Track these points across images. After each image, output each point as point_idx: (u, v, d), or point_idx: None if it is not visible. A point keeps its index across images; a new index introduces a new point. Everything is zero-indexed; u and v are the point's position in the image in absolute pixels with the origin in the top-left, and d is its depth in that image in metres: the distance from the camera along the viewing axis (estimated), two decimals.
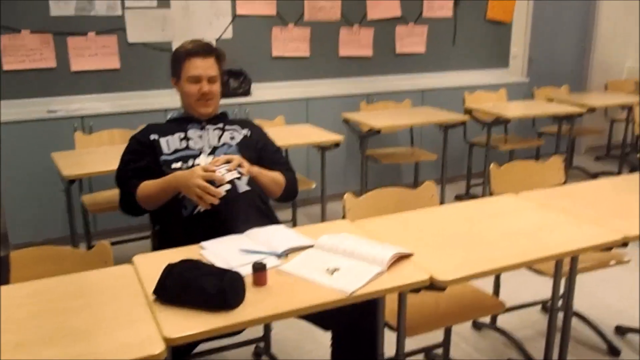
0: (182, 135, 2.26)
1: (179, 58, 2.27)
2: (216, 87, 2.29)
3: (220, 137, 2.29)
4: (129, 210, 2.24)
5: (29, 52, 3.93)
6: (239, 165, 2.12)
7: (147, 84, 4.29)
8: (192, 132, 2.27)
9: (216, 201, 2.00)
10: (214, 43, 4.35)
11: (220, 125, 2.33)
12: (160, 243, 2.23)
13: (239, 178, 2.10)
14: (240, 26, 4.52)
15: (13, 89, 3.93)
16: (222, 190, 2.03)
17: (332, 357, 2.00)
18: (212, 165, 2.07)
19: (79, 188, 3.52)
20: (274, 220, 2.18)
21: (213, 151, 2.24)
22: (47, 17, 3.93)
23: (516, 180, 2.69)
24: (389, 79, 5.17)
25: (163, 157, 2.20)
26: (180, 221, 2.08)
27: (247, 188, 2.11)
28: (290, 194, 2.38)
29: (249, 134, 2.36)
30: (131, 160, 2.24)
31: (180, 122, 2.31)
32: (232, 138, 2.30)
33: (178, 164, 2.18)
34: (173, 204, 2.11)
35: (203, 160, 2.18)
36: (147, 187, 2.15)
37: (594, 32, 6.10)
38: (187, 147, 2.23)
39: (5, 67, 3.88)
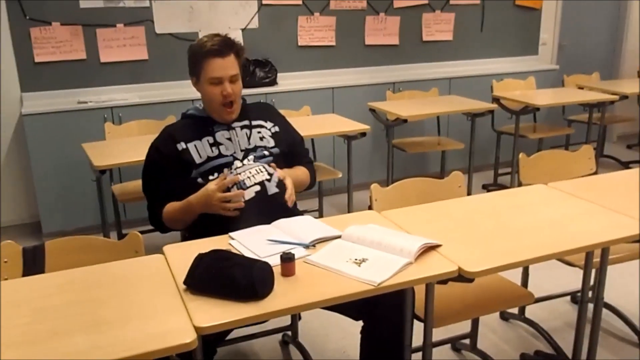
0: (210, 139, 2.15)
1: (197, 58, 2.13)
2: (238, 86, 2.16)
3: (249, 138, 2.19)
4: (157, 227, 2.22)
5: (59, 43, 4.00)
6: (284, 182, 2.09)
7: (175, 75, 4.33)
8: (220, 136, 2.17)
9: (241, 204, 1.98)
10: (240, 33, 4.41)
11: (246, 122, 2.23)
12: (190, 234, 2.25)
13: (268, 180, 2.06)
14: (266, 15, 4.53)
15: (44, 81, 4.00)
16: (252, 191, 2.00)
17: (361, 346, 2.01)
18: (225, 182, 2.01)
19: (109, 178, 3.58)
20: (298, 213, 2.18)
21: (246, 155, 2.16)
22: (76, 9, 3.98)
23: (546, 169, 2.66)
24: (416, 67, 5.13)
25: (197, 170, 2.11)
26: (212, 219, 2.03)
27: (277, 190, 2.07)
28: (310, 186, 2.39)
29: (277, 129, 2.28)
30: (157, 178, 2.17)
31: (204, 123, 2.19)
32: (262, 139, 2.21)
33: (214, 176, 2.10)
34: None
35: (237, 164, 2.11)
36: (171, 211, 2.12)
37: (626, 18, 5.96)
38: (219, 154, 2.13)
39: (37, 59, 3.95)
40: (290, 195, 2.11)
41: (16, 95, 3.97)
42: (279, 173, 2.12)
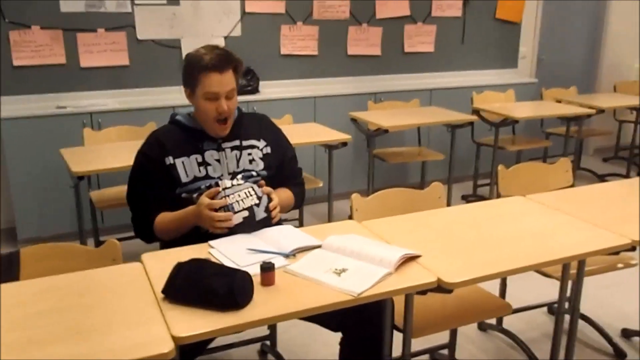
0: (199, 158, 2.09)
1: (194, 70, 2.05)
2: (233, 102, 2.09)
3: (238, 160, 2.14)
4: (144, 238, 2.15)
5: (39, 47, 3.95)
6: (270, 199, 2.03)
7: (156, 81, 4.30)
8: (209, 156, 2.11)
9: (231, 224, 1.92)
10: (222, 41, 4.40)
11: (237, 142, 2.16)
12: (169, 243, 2.22)
13: (257, 204, 2.00)
14: (249, 24, 4.53)
15: (23, 85, 3.95)
16: (240, 217, 1.95)
17: (340, 357, 2.01)
18: (218, 190, 1.96)
19: (87, 184, 3.54)
20: None
21: (233, 177, 2.12)
22: (57, 13, 3.94)
23: (524, 181, 2.69)
24: (397, 78, 5.17)
25: (182, 188, 2.07)
26: (197, 236, 1.95)
27: (264, 215, 2.00)
28: (298, 206, 2.34)
29: (268, 150, 2.22)
30: (143, 185, 2.11)
31: (194, 136, 2.12)
32: (251, 162, 2.16)
33: (201, 191, 2.04)
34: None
35: (225, 182, 2.04)
36: (165, 222, 2.07)
37: (603, 33, 6.07)
38: (206, 175, 2.08)
39: (16, 63, 3.90)
40: (275, 212, 2.03)
41: None
42: (267, 190, 2.04)
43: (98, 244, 1.88)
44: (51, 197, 3.84)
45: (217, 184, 2.04)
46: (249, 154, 2.17)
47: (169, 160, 2.07)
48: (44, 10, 3.90)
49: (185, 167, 2.08)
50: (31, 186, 3.79)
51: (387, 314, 1.81)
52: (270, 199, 2.02)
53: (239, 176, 2.11)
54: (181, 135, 2.13)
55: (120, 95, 4.21)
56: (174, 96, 4.23)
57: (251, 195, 1.99)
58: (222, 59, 2.04)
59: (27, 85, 3.96)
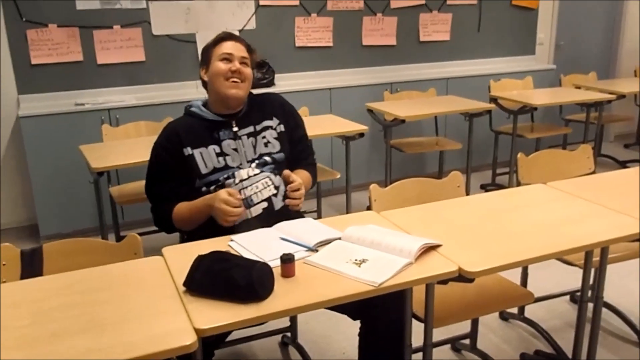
0: (217, 149, 2.09)
1: (209, 46, 2.16)
2: (248, 70, 2.13)
3: (255, 146, 2.14)
4: (164, 229, 2.18)
5: (56, 45, 3.98)
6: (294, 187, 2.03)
7: (172, 76, 4.32)
8: (227, 146, 2.11)
9: (236, 220, 1.93)
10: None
11: (251, 129, 2.16)
12: (190, 235, 2.24)
13: (275, 195, 2.03)
14: (263, 16, 4.52)
15: (41, 83, 3.99)
16: (259, 208, 1.98)
17: (360, 347, 2.01)
18: (236, 192, 1.96)
19: (107, 180, 3.57)
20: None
21: (251, 164, 2.12)
22: (73, 11, 3.97)
23: (544, 169, 2.66)
24: (413, 67, 5.13)
25: (202, 180, 2.08)
26: (215, 228, 1.97)
27: (283, 204, 2.04)
28: (309, 188, 2.32)
29: (282, 128, 2.23)
30: (163, 177, 2.12)
31: (210, 127, 2.12)
32: (266, 144, 2.16)
33: (220, 185, 2.07)
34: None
35: (241, 173, 2.07)
36: (182, 212, 2.08)
37: (622, 17, 5.97)
38: (226, 166, 2.09)
39: (34, 61, 3.94)
40: (299, 193, 2.04)
41: (13, 97, 3.96)
42: (286, 174, 2.05)
43: (119, 239, 1.89)
44: (72, 193, 3.88)
45: (233, 174, 2.06)
46: (264, 137, 2.17)
47: (187, 151, 2.08)
48: (60, 8, 3.93)
49: (204, 158, 2.08)
50: (52, 183, 3.83)
51: (408, 303, 1.80)
52: (287, 183, 2.03)
53: (254, 164, 2.11)
54: (197, 126, 2.13)
55: (137, 91, 4.23)
56: (190, 91, 4.25)
57: (269, 185, 2.01)
58: (235, 35, 2.19)
59: (46, 83, 4.00)
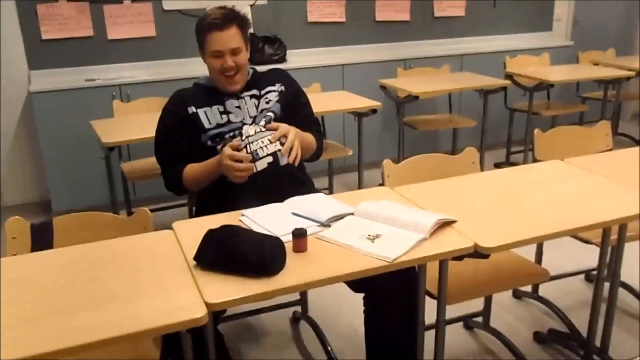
0: (220, 108, 2.17)
1: (201, 32, 2.17)
2: (241, 58, 2.15)
3: (257, 106, 2.21)
4: (175, 191, 2.24)
5: (66, 20, 3.95)
6: (284, 136, 2.06)
7: (183, 52, 4.28)
8: (230, 104, 2.19)
9: (252, 168, 1.98)
10: (248, 10, 4.34)
11: (255, 92, 2.24)
12: (199, 209, 2.24)
13: (280, 150, 2.04)
14: None
15: (52, 58, 3.97)
16: (264, 162, 2.01)
17: (366, 324, 1.98)
18: (240, 142, 2.02)
19: (118, 155, 3.56)
20: (313, 189, 2.18)
21: (253, 121, 2.18)
22: None
23: (561, 146, 2.60)
24: (427, 43, 5.05)
25: (207, 134, 2.14)
26: (223, 189, 2.06)
27: (287, 161, 2.05)
28: (315, 157, 2.36)
29: (282, 88, 2.29)
30: (171, 139, 2.18)
31: (214, 92, 2.21)
32: (268, 102, 2.23)
33: (222, 142, 2.11)
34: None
35: (248, 130, 2.11)
36: (192, 172, 2.14)
37: None
38: (228, 121, 2.16)
39: (44, 36, 3.91)
40: (292, 149, 2.05)
41: (24, 73, 3.94)
42: (274, 126, 2.09)
43: (130, 215, 1.88)
44: (83, 169, 3.88)
45: (240, 132, 2.11)
46: (266, 99, 2.24)
47: (192, 109, 2.16)
48: None
49: (208, 115, 2.16)
50: (63, 159, 3.83)
51: (422, 279, 1.77)
52: (283, 142, 2.06)
53: (261, 122, 2.16)
54: (203, 91, 2.24)
55: (147, 67, 4.20)
56: (201, 67, 4.16)
57: (275, 142, 2.05)
58: (224, 17, 2.12)
59: (56, 59, 3.98)
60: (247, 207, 1.84)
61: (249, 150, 2.02)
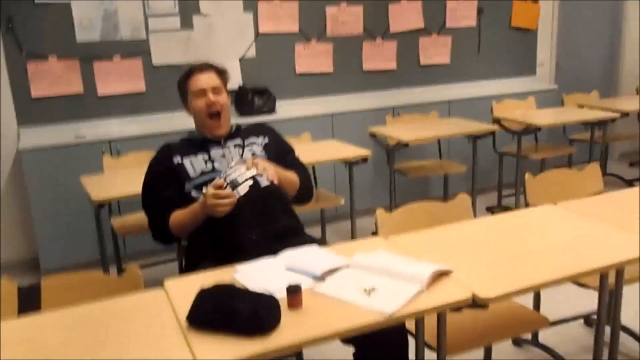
0: (205, 156, 2.25)
1: (183, 80, 2.32)
2: (223, 98, 2.28)
3: (242, 155, 2.29)
4: (161, 239, 2.28)
5: (57, 78, 3.98)
6: (264, 169, 2.14)
7: (173, 105, 4.28)
8: (215, 153, 2.27)
9: (233, 202, 2.02)
10: (237, 63, 4.40)
11: (239, 141, 2.33)
12: (190, 255, 2.22)
13: (260, 175, 2.13)
14: (263, 44, 4.52)
15: (42, 115, 3.98)
16: (246, 186, 2.07)
17: None
18: (222, 182, 2.07)
19: (108, 210, 3.52)
20: (294, 215, 2.24)
21: None
22: (73, 43, 3.97)
23: (552, 189, 2.61)
24: (415, 91, 5.12)
25: (191, 183, 2.20)
26: (212, 222, 2.08)
27: (268, 182, 2.15)
28: (304, 194, 2.40)
29: (267, 141, 2.39)
30: (157, 187, 2.25)
31: (199, 143, 2.30)
32: (253, 154, 2.30)
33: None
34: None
35: (225, 169, 2.18)
36: (179, 218, 2.18)
37: (622, 35, 5.97)
38: (213, 169, 2.22)
39: (34, 95, 3.93)
40: (267, 170, 2.12)
41: (13, 130, 3.93)
42: (254, 162, 2.15)
43: (120, 270, 1.85)
44: (73, 225, 3.83)
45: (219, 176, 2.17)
46: (251, 149, 2.32)
47: (177, 159, 2.24)
48: (60, 40, 3.94)
49: (193, 164, 2.24)
50: (53, 215, 3.79)
51: (420, 333, 1.74)
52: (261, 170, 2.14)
53: (236, 158, 2.27)
54: (188, 143, 2.32)
55: (138, 122, 4.21)
56: (191, 120, 4.21)
57: (252, 168, 2.13)
58: (201, 64, 2.33)
59: (46, 115, 3.99)
60: (241, 237, 1.96)
61: (227, 181, 2.07)
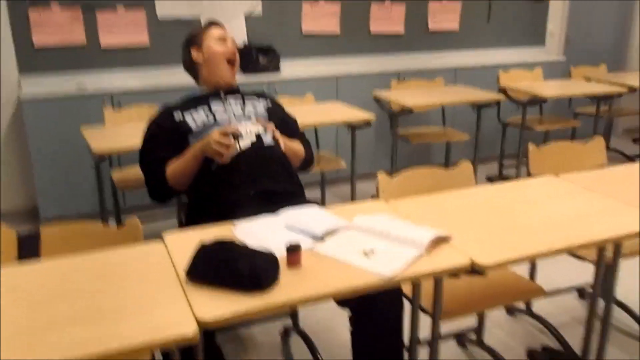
0: (206, 109, 2.25)
1: (197, 31, 2.35)
2: (237, 55, 2.33)
3: (243, 108, 2.29)
4: (159, 196, 2.25)
5: (59, 27, 3.91)
6: (272, 130, 2.16)
7: (176, 60, 4.22)
8: (215, 106, 2.26)
9: (233, 153, 2.02)
10: (243, 20, 4.33)
11: (239, 97, 2.34)
12: (190, 212, 2.23)
13: (264, 132, 2.14)
14: (270, 2, 4.44)
15: (43, 64, 3.93)
16: (249, 140, 2.08)
17: (353, 342, 1.94)
18: (228, 127, 2.08)
19: (108, 164, 3.51)
20: (296, 182, 2.22)
21: (239, 121, 2.25)
22: None
23: (555, 161, 2.59)
24: (421, 56, 5.05)
25: (193, 136, 2.18)
26: (210, 176, 2.08)
27: (272, 143, 2.15)
28: (306, 165, 2.41)
29: (269, 105, 2.39)
30: (155, 147, 2.21)
31: (198, 98, 2.30)
32: (254, 107, 2.32)
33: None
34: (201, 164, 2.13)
35: (234, 123, 2.20)
36: (175, 166, 2.15)
37: (634, 9, 5.87)
38: (214, 121, 2.21)
39: (36, 44, 3.87)
40: (275, 132, 2.18)
41: (14, 79, 3.89)
42: (264, 124, 2.20)
43: (120, 224, 1.84)
44: (73, 176, 3.83)
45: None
46: (252, 104, 2.34)
47: (178, 116, 2.22)
48: None
49: (194, 118, 2.22)
50: (53, 166, 3.78)
51: (416, 296, 1.75)
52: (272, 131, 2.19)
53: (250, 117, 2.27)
54: (187, 100, 2.31)
55: (140, 75, 4.17)
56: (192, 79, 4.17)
57: (257, 124, 2.14)
58: (217, 22, 2.38)
59: (48, 65, 3.94)
60: (240, 191, 1.97)
61: (230, 132, 2.06)
